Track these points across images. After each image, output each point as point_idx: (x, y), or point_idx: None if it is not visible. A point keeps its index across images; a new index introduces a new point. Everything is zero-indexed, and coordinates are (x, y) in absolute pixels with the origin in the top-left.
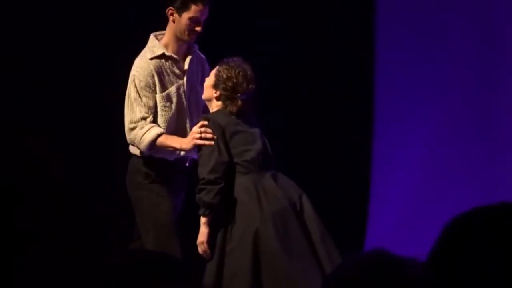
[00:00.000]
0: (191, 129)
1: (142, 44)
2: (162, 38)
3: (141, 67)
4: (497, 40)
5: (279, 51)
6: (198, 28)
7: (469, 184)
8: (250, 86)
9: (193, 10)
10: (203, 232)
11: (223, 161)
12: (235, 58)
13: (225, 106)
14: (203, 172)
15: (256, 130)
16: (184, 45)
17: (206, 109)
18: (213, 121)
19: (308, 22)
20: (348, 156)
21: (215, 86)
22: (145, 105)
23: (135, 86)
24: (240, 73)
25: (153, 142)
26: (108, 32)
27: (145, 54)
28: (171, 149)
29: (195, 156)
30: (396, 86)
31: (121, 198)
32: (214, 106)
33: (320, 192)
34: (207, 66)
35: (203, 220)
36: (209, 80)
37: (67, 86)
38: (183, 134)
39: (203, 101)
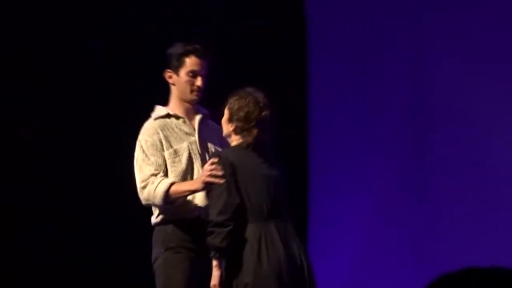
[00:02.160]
0: None
1: (142, 44)
2: (166, 106)
3: (146, 128)
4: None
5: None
6: (198, 83)
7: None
8: (263, 113)
9: (189, 64)
10: (215, 275)
11: (232, 202)
12: (247, 88)
13: (242, 139)
14: (212, 214)
15: (272, 173)
16: (190, 107)
17: None
18: (224, 158)
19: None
20: None
21: (230, 119)
22: (153, 163)
23: (141, 147)
24: (251, 101)
25: (166, 192)
26: (108, 32)
27: (149, 119)
28: (186, 193)
29: None
30: (329, 165)
31: (119, 197)
32: (233, 141)
33: None
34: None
35: (214, 263)
36: (224, 116)
37: (67, 86)
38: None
39: None
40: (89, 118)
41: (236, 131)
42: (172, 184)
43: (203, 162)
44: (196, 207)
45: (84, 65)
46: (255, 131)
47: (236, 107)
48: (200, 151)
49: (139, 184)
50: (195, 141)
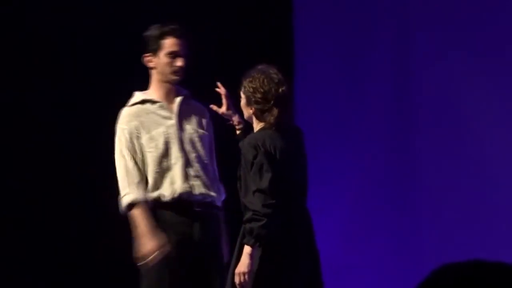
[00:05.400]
0: (184, 171)
1: (141, 45)
2: (146, 91)
3: (122, 116)
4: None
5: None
6: (178, 63)
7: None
8: (280, 90)
9: (167, 45)
10: (247, 263)
11: (274, 189)
12: (259, 66)
13: (264, 121)
14: (256, 205)
15: (298, 153)
16: (170, 90)
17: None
18: (264, 148)
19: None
20: None
21: (248, 103)
22: (129, 155)
23: (118, 136)
24: (265, 80)
25: (128, 208)
26: (109, 32)
27: (126, 106)
28: (137, 229)
29: (220, 196)
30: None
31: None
32: (256, 125)
33: None
34: (207, 115)
35: (248, 250)
36: (242, 101)
37: (66, 85)
38: (173, 176)
39: (204, 149)
40: (88, 118)
41: (256, 114)
42: (139, 204)
43: (181, 145)
44: (174, 188)
45: (88, 68)
46: (275, 110)
47: (251, 89)
48: (178, 135)
49: (119, 174)
50: (173, 125)
